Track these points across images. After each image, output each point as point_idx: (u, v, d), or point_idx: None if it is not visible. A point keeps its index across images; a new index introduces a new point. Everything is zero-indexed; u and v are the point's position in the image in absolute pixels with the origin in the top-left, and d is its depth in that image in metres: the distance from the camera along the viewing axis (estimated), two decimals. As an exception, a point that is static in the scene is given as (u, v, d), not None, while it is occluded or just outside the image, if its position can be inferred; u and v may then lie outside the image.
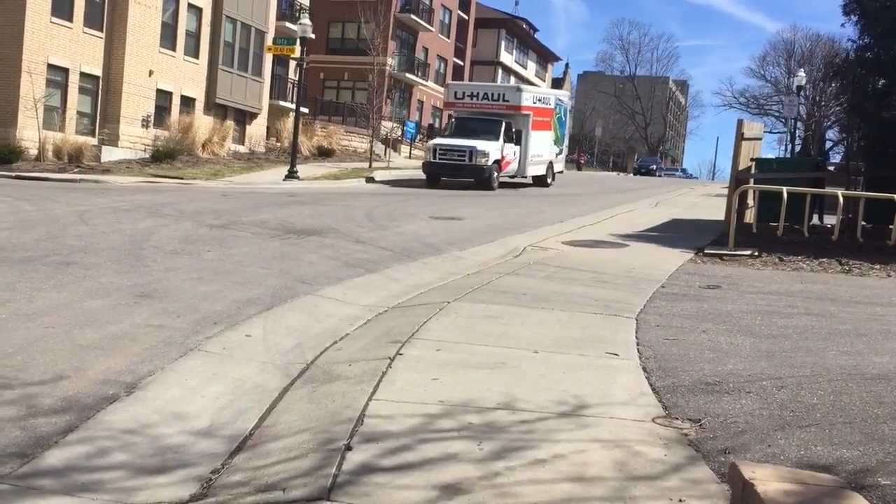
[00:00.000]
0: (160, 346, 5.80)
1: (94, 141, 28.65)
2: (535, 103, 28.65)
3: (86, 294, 7.29)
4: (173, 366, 5.38)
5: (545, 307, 7.57)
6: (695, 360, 5.82)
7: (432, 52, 54.30)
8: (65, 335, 5.90)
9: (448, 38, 57.20)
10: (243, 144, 35.57)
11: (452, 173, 25.95)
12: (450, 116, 30.76)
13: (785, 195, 12.38)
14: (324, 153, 35.98)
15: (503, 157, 26.37)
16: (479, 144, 25.44)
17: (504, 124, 26.54)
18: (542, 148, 29.39)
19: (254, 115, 36.84)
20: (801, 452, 4.03)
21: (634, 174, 62.63)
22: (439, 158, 25.86)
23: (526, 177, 28.58)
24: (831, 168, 21.64)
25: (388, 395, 4.75)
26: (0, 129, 26.57)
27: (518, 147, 27.38)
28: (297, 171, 25.92)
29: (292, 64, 36.30)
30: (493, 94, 28.14)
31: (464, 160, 25.43)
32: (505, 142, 26.41)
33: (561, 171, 32.28)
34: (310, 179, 26.47)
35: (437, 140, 27.30)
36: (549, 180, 30.00)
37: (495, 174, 25.87)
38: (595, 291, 8.60)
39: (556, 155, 31.24)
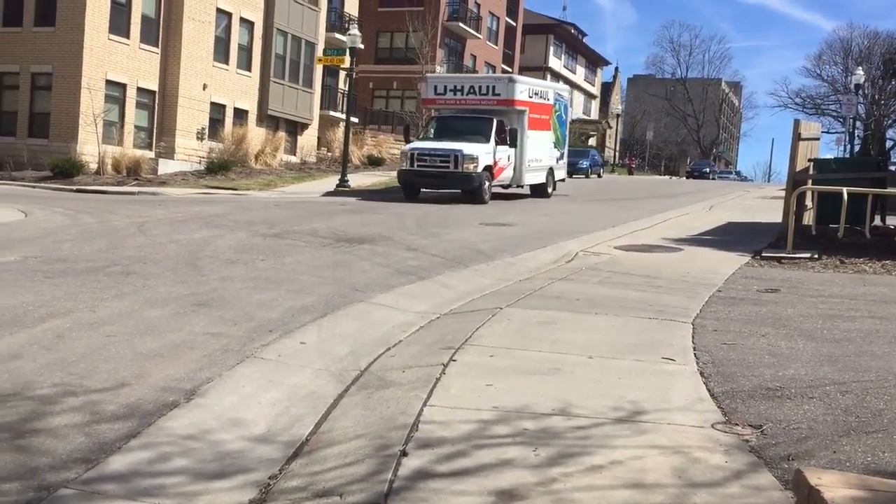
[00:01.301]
0: (217, 353, 5.89)
1: (150, 154, 29.34)
2: (531, 97, 24.04)
3: (145, 303, 7.45)
4: (230, 373, 5.45)
5: (599, 312, 7.50)
6: (754, 364, 5.69)
7: (480, 60, 54.36)
8: (126, 343, 6.03)
9: (496, 45, 57.21)
10: (295, 155, 36.05)
11: (434, 183, 21.83)
12: (429, 117, 25.40)
13: (845, 196, 12.07)
14: (374, 162, 36.28)
15: (495, 163, 22.09)
16: (466, 148, 21.07)
17: (495, 123, 22.16)
18: (541, 151, 24.86)
19: (305, 126, 37.33)
20: (867, 458, 3.92)
21: (687, 178, 61.68)
22: (418, 166, 21.47)
23: (522, 186, 24.26)
24: (893, 167, 21.02)
25: (443, 402, 4.74)
26: (61, 144, 27.42)
27: (513, 150, 22.88)
28: (347, 181, 26.17)
29: (342, 74, 36.70)
30: (480, 87, 23.41)
31: (448, 167, 21.08)
32: (497, 144, 22.05)
33: (563, 179, 27.31)
34: (360, 188, 26.70)
35: (416, 144, 22.50)
36: (549, 189, 25.40)
37: (486, 184, 21.63)
38: (649, 296, 8.48)
39: (557, 160, 26.48)
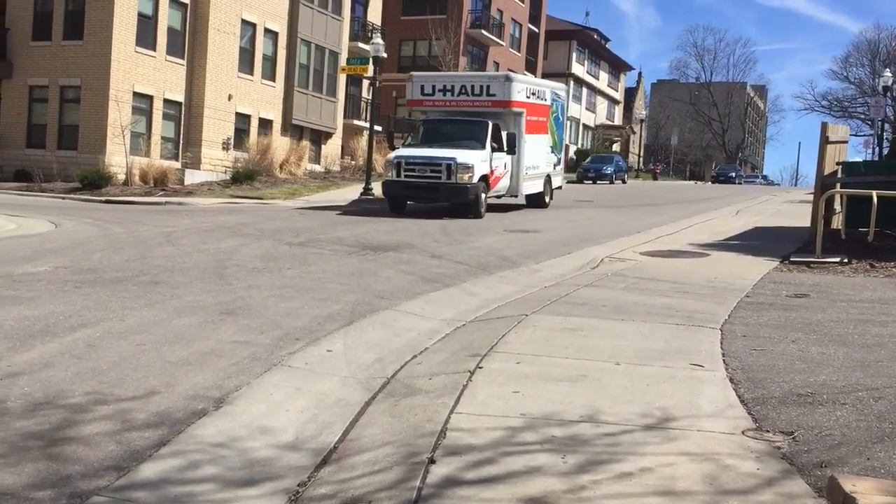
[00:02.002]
0: (245, 361, 5.92)
1: (177, 165, 29.65)
2: (528, 98, 21.69)
3: (174, 312, 7.52)
4: (258, 381, 5.49)
5: (625, 318, 7.45)
6: (785, 370, 5.63)
7: (503, 67, 54.31)
8: (155, 352, 6.09)
9: (519, 51, 57.23)
10: (319, 163, 36.27)
11: (424, 196, 19.32)
12: (416, 122, 22.46)
13: (875, 199, 11.91)
14: (398, 170, 36.32)
15: (492, 172, 19.61)
16: (461, 155, 18.69)
17: (491, 127, 19.70)
18: (539, 157, 22.48)
19: (329, 135, 37.55)
20: (903, 466, 3.85)
21: (713, 182, 61.26)
22: (406, 176, 18.94)
23: (517, 196, 21.72)
24: (923, 170, 20.68)
25: (470, 409, 4.74)
26: (90, 156, 27.80)
27: (510, 157, 20.50)
28: (371, 189, 26.26)
29: (365, 83, 36.91)
30: (473, 87, 20.82)
31: (440, 178, 18.57)
32: (493, 151, 19.64)
33: (560, 187, 24.95)
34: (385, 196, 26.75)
35: (402, 151, 19.79)
36: (546, 198, 23.12)
37: (483, 196, 19.03)
38: (676, 302, 8.42)
39: (555, 165, 24.21)
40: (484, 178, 19.15)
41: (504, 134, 19.98)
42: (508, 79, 21.06)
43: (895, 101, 59.57)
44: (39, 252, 11.52)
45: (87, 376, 5.39)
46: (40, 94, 29.33)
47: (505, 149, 19.90)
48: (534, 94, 22.21)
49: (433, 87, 21.15)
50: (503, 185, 20.67)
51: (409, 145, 20.39)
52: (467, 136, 19.64)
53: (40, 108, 29.43)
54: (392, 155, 19.81)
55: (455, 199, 18.81)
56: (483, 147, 19.33)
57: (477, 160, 18.83)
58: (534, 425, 4.44)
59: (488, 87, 20.78)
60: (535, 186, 22.44)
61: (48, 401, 4.89)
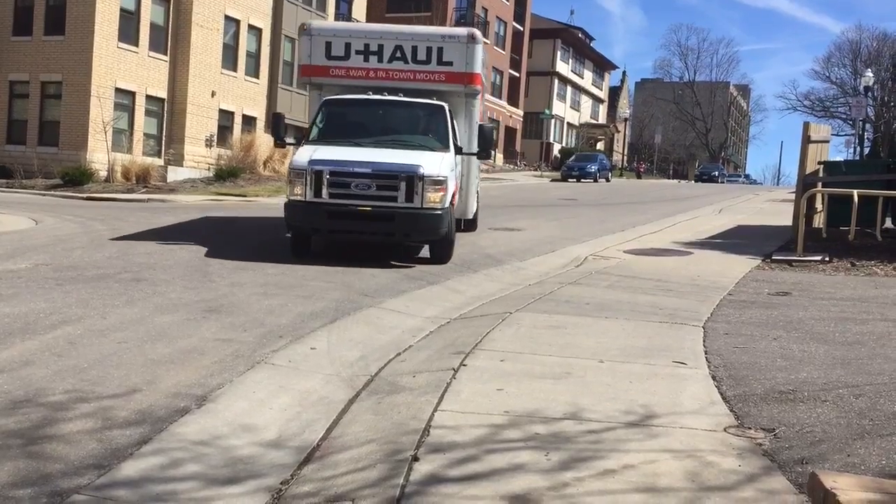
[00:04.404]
0: (228, 359, 5.89)
1: (160, 161, 29.47)
2: (483, 69, 14.07)
3: (156, 310, 7.47)
4: (241, 379, 5.46)
5: (609, 316, 7.48)
6: (766, 368, 5.67)
7: (488, 64, 54.44)
8: (137, 350, 6.05)
9: (503, 49, 57.28)
10: (303, 161, 36.13)
11: (366, 229, 11.04)
12: (321, 105, 12.69)
13: (856, 198, 12.02)
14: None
15: (456, 189, 12.32)
16: (424, 161, 10.99)
17: (448, 115, 12.39)
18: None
19: (313, 132, 37.45)
20: (882, 462, 3.89)
21: (696, 181, 61.61)
22: (331, 195, 10.83)
23: (465, 216, 14.33)
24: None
25: (454, 406, 4.74)
26: (71, 153, 27.58)
27: (462, 162, 13.15)
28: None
29: (350, 80, 36.80)
30: (416, 50, 13.13)
31: (393, 199, 10.80)
32: (455, 153, 12.27)
33: (477, 192, 16.05)
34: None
35: (320, 153, 11.22)
36: (478, 218, 15.79)
37: (454, 227, 11.69)
38: (660, 300, 8.46)
39: (479, 170, 16.74)
40: (452, 199, 11.54)
41: (465, 125, 13.26)
42: (473, 38, 13.17)
43: (876, 101, 60.13)
44: (19, 249, 11.41)
45: (67, 374, 5.35)
46: (21, 90, 29.09)
47: (475, 150, 13.19)
48: (483, 62, 13.92)
49: (346, 46, 13.12)
50: (458, 204, 12.90)
51: (315, 142, 11.78)
52: (412, 130, 12.43)
53: (21, 103, 29.18)
54: (302, 159, 11.01)
55: (420, 235, 11.20)
56: (447, 147, 11.84)
57: (447, 170, 11.14)
58: (517, 423, 4.44)
59: (441, 50, 13.03)
60: (474, 200, 15.08)
61: (28, 399, 4.85)
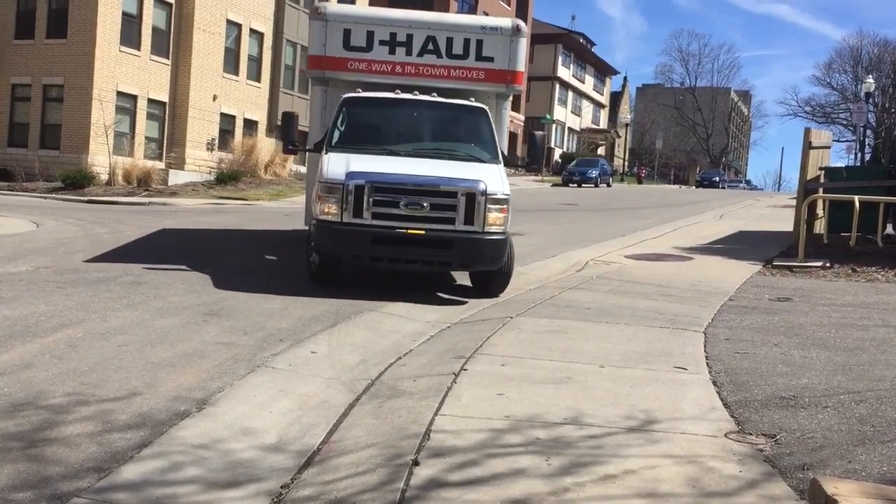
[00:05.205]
0: (229, 363, 5.89)
1: (161, 165, 29.49)
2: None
3: (157, 313, 7.47)
4: (242, 382, 5.46)
5: (610, 321, 7.47)
6: (767, 374, 5.66)
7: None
8: (137, 353, 6.04)
9: (505, 54, 57.22)
10: (304, 165, 36.15)
11: (420, 256, 9.17)
12: (340, 104, 10.42)
13: (857, 204, 12.02)
14: (383, 172, 36.28)
15: None
16: (481, 174, 9.41)
17: (491, 119, 10.62)
18: None
19: (314, 136, 37.46)
20: (883, 468, 3.88)
21: (697, 186, 61.64)
22: (374, 216, 8.95)
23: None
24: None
25: (454, 411, 4.73)
26: (73, 156, 27.60)
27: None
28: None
29: (351, 85, 36.81)
30: (451, 42, 11.27)
31: (450, 222, 9.04)
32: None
33: None
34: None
35: (356, 164, 9.25)
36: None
37: (513, 254, 9.88)
38: (661, 305, 8.45)
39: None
40: None
41: (496, 131, 10.75)
42: (519, 31, 11.41)
43: (877, 107, 60.18)
44: (20, 252, 11.41)
45: (68, 377, 5.34)
46: (23, 93, 29.13)
47: (522, 161, 11.09)
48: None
49: (369, 35, 11.19)
50: None
51: (341, 149, 9.78)
52: (453, 137, 10.75)
53: (23, 106, 29.21)
54: (335, 171, 9.15)
55: (481, 264, 9.43)
56: (496, 159, 10.20)
57: (508, 186, 9.59)
58: (518, 427, 4.44)
59: (480, 43, 11.25)
60: None
61: (28, 401, 4.84)
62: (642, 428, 4.48)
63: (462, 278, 10.32)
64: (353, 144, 9.84)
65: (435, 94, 10.63)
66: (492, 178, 9.34)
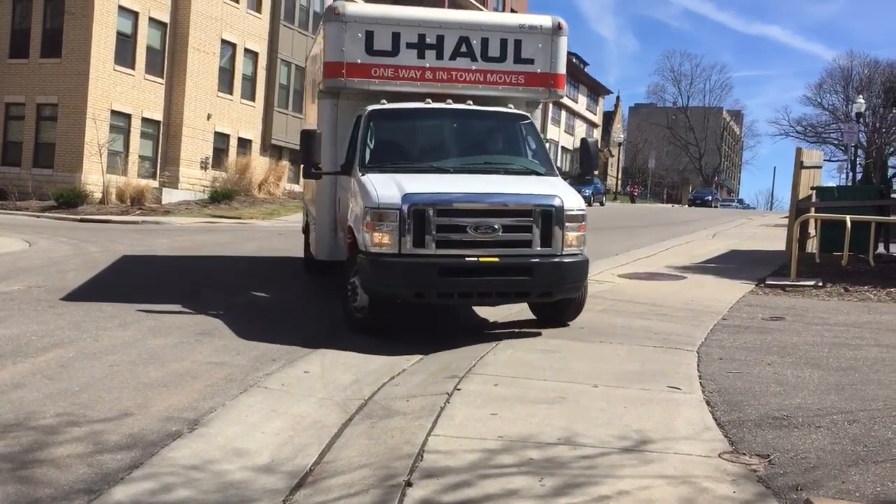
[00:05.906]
0: (221, 383, 5.86)
1: (155, 183, 29.46)
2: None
3: (149, 332, 7.44)
4: (234, 402, 5.43)
5: (603, 341, 7.47)
6: (760, 393, 5.66)
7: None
8: (129, 373, 6.01)
9: (498, 74, 57.51)
10: (298, 184, 36.16)
11: (489, 287, 7.70)
12: (360, 118, 9.03)
13: (848, 224, 12.06)
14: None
15: None
16: (552, 189, 8.16)
17: (532, 126, 9.58)
18: None
19: (308, 155, 37.50)
20: (877, 489, 3.88)
21: (689, 206, 61.82)
22: (441, 246, 7.59)
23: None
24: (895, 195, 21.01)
25: (447, 431, 4.71)
26: (66, 174, 27.57)
27: None
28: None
29: (345, 104, 36.91)
30: (487, 44, 9.74)
31: (527, 245, 7.73)
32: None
33: None
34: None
35: (409, 184, 7.81)
36: None
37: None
38: (654, 324, 8.46)
39: None
40: None
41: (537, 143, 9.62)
42: (560, 28, 9.98)
43: (868, 127, 60.60)
44: (13, 271, 11.37)
45: (59, 397, 5.31)
46: (17, 112, 29.12)
47: (575, 172, 10.06)
48: None
49: (394, 37, 9.68)
50: None
51: (379, 169, 8.41)
52: (502, 150, 9.63)
53: (16, 125, 29.20)
54: (387, 193, 7.75)
55: (562, 292, 8.03)
56: (552, 171, 9.11)
57: (581, 201, 8.34)
58: (511, 448, 4.42)
59: (518, 44, 9.88)
60: None
61: (19, 422, 4.81)
62: (636, 448, 4.47)
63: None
64: (391, 163, 8.55)
65: (470, 102, 9.44)
66: (564, 192, 8.10)
